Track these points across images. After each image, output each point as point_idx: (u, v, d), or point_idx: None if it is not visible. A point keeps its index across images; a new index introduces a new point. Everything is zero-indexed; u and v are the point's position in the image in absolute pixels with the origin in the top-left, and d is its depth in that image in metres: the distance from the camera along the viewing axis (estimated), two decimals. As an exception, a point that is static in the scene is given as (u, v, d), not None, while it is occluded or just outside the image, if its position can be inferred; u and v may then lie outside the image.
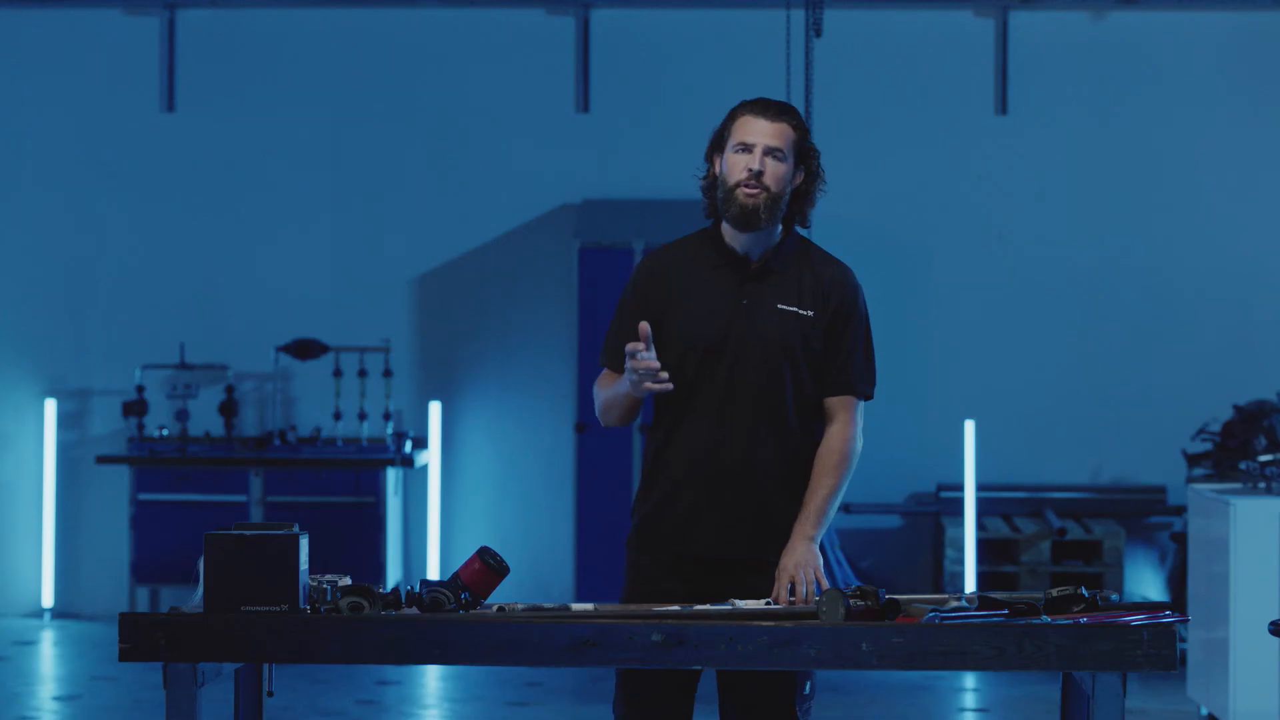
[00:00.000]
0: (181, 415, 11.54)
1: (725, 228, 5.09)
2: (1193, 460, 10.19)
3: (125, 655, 4.44)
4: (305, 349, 11.46)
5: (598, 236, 11.15)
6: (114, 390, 11.77)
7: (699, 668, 4.53)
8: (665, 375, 4.91)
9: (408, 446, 11.43)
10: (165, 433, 11.57)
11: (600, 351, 5.18)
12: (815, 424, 5.08)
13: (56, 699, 9.39)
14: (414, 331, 11.84)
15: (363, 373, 11.58)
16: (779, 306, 5.04)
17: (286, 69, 11.85)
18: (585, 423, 11.04)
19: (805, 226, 5.13)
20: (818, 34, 10.16)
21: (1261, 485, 8.48)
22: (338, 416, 11.51)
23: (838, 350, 5.07)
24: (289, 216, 11.86)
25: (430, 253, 11.84)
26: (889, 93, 11.71)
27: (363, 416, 11.58)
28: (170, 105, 11.86)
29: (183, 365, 11.60)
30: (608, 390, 5.10)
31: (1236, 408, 10.18)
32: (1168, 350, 11.61)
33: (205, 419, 11.65)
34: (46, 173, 11.87)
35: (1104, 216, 11.66)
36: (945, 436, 11.43)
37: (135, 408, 11.45)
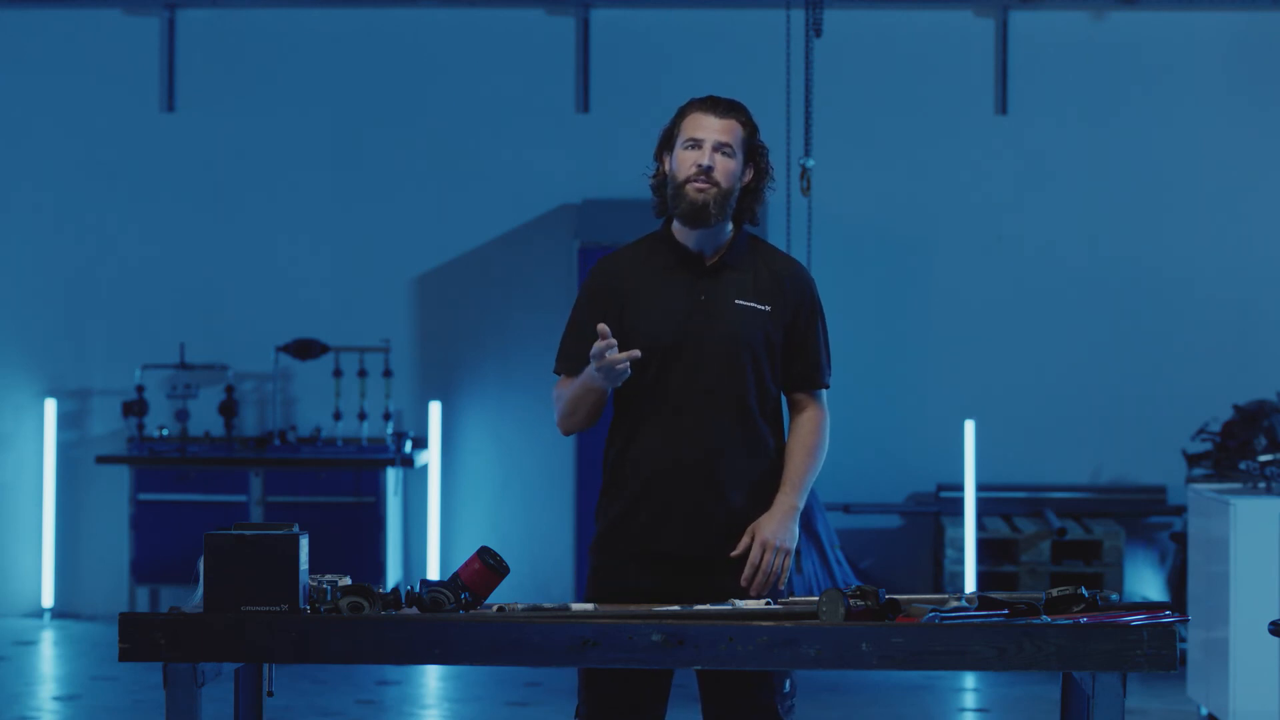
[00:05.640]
0: (181, 415, 11.54)
1: (676, 227, 5.08)
2: (1193, 460, 10.18)
3: (125, 655, 4.44)
4: (305, 349, 11.45)
5: (598, 236, 11.13)
6: (114, 390, 11.77)
7: (698, 667, 4.53)
8: (627, 364, 4.88)
9: (408, 446, 11.43)
10: (165, 433, 11.57)
11: (556, 359, 5.13)
12: (777, 416, 5.09)
13: (56, 699, 9.39)
14: (414, 331, 11.84)
15: (363, 373, 11.58)
16: (737, 302, 5.04)
17: (287, 69, 11.85)
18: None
19: (754, 224, 5.13)
20: (818, 34, 10.16)
21: (1261, 485, 8.47)
22: (338, 416, 11.51)
23: (804, 346, 5.09)
24: (289, 216, 11.86)
25: (430, 253, 11.84)
26: (889, 92, 11.71)
27: (363, 416, 11.58)
28: (170, 105, 11.86)
29: (183, 365, 11.60)
30: (571, 390, 5.04)
31: (1236, 408, 10.18)
32: (1168, 350, 11.61)
33: (205, 419, 11.65)
34: (46, 173, 11.87)
35: (1104, 216, 11.65)
36: (945, 436, 11.42)
37: (135, 408, 11.44)
